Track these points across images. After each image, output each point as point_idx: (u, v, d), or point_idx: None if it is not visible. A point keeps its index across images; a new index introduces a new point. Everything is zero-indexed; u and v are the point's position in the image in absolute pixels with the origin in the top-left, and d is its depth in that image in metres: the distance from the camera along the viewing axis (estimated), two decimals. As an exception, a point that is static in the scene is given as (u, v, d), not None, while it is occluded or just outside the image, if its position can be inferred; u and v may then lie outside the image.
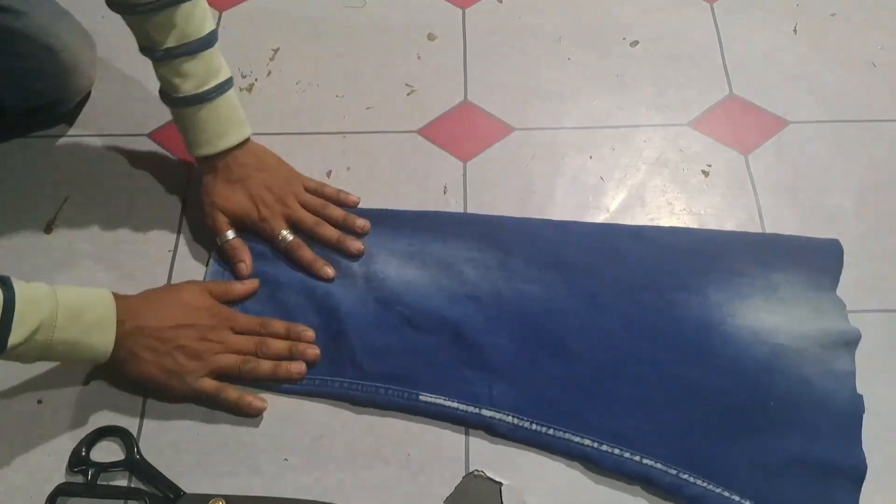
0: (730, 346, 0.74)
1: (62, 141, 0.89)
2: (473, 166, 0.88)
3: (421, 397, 0.71)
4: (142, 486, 0.68)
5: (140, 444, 0.69)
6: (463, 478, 0.69)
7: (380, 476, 0.69)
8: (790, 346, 0.73)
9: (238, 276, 0.78)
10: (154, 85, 0.88)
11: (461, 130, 0.91)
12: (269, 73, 0.95)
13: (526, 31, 1.00)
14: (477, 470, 0.69)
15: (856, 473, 0.67)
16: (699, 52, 0.96)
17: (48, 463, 0.69)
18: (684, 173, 0.88)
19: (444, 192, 0.86)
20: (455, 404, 0.71)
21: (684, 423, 0.70)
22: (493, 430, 0.70)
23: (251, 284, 0.77)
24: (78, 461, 0.68)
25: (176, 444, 0.70)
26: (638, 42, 0.98)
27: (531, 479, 0.68)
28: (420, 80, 0.95)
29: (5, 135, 0.89)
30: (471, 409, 0.71)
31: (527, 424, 0.70)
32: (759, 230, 0.83)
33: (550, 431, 0.70)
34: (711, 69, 0.95)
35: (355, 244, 0.80)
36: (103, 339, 0.66)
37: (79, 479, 0.68)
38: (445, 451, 0.70)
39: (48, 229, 0.83)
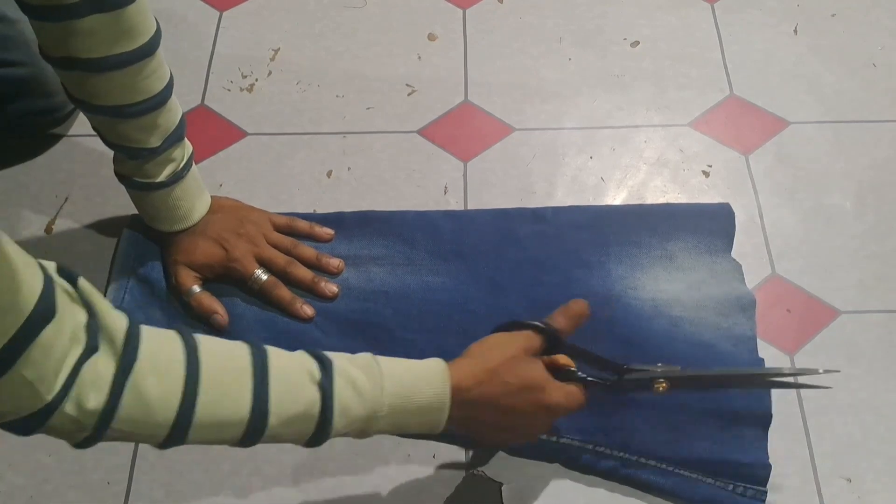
0: (631, 320, 0.75)
1: (62, 141, 0.89)
2: (473, 166, 0.88)
3: None
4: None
5: (139, 445, 0.69)
6: (463, 478, 0.69)
7: (380, 476, 0.69)
8: (689, 316, 0.75)
9: (216, 329, 0.74)
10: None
11: (461, 130, 0.91)
12: (270, 72, 0.95)
13: (526, 31, 1.00)
14: (477, 470, 0.69)
15: (763, 418, 0.69)
16: (699, 52, 0.96)
17: (48, 463, 0.69)
18: (684, 173, 0.88)
19: (445, 193, 0.86)
20: None
21: (596, 397, 0.70)
22: None
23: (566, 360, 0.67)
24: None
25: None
26: (638, 42, 0.98)
27: (531, 478, 0.68)
28: (420, 80, 0.95)
29: (5, 138, 0.88)
30: None
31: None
32: (760, 230, 0.83)
33: None
34: (711, 69, 0.95)
35: (330, 287, 0.76)
36: (434, 420, 0.58)
37: None
38: (445, 451, 0.70)
39: (48, 229, 0.83)
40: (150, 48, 0.65)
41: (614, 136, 0.91)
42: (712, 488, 0.66)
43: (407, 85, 0.95)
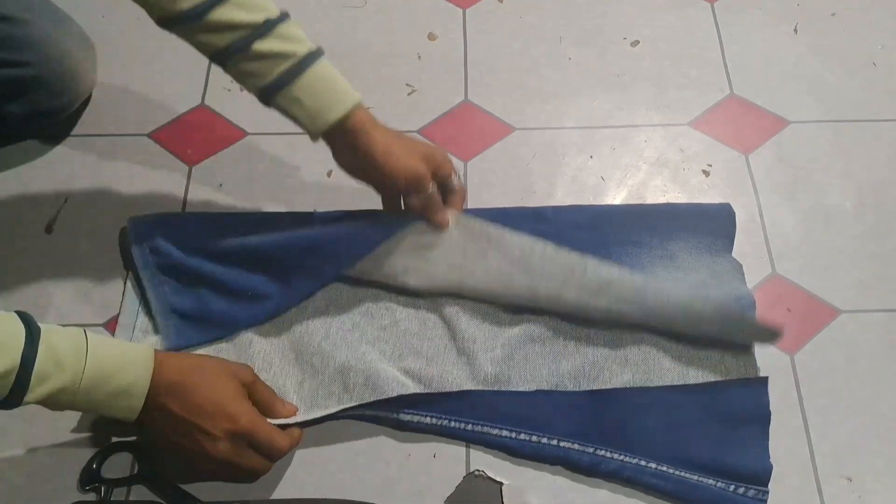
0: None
1: (63, 141, 0.89)
2: (473, 166, 0.88)
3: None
4: (156, 500, 0.67)
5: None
6: (463, 478, 0.69)
7: (380, 476, 0.69)
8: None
9: (440, 226, 0.74)
10: (154, 85, 0.88)
11: (461, 130, 0.91)
12: (270, 73, 0.95)
13: (526, 31, 1.00)
14: (477, 470, 0.69)
15: (762, 418, 0.69)
16: (699, 52, 0.96)
17: (48, 463, 0.69)
18: (685, 173, 0.88)
19: (445, 192, 0.86)
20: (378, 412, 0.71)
21: (594, 400, 0.71)
22: (405, 428, 0.71)
23: (291, 409, 0.70)
24: (89, 478, 0.68)
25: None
26: (638, 42, 0.98)
27: (531, 478, 0.69)
28: (420, 80, 0.95)
29: (6, 140, 0.89)
30: (391, 415, 0.70)
31: (445, 422, 0.70)
32: (760, 230, 0.83)
33: (469, 427, 0.70)
34: (711, 69, 0.95)
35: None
36: (130, 405, 0.62)
37: (91, 497, 0.67)
38: (445, 451, 0.70)
39: (48, 229, 0.83)
40: None
41: (614, 135, 0.91)
42: (714, 490, 0.66)
43: (407, 85, 0.95)
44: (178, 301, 0.76)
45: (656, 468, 0.67)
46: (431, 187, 0.73)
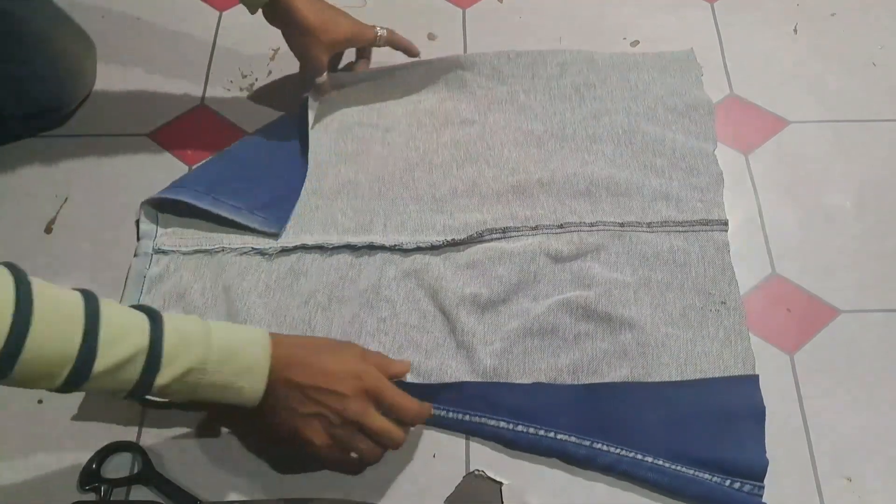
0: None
1: (62, 141, 0.89)
2: (473, 166, 0.88)
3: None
4: (156, 500, 0.67)
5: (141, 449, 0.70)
6: (463, 478, 0.69)
7: (380, 476, 0.69)
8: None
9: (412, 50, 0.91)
10: (154, 85, 0.88)
11: (461, 130, 0.91)
12: (270, 72, 0.95)
13: (526, 31, 0.99)
14: (477, 470, 0.69)
15: (756, 413, 0.69)
16: (699, 52, 0.96)
17: (48, 463, 0.69)
18: (684, 173, 0.88)
19: (445, 192, 0.86)
20: None
21: (591, 394, 0.71)
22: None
23: (405, 366, 0.70)
24: (89, 478, 0.67)
25: (176, 448, 0.70)
26: (638, 42, 0.98)
27: (531, 478, 0.69)
28: (420, 80, 0.95)
29: (5, 139, 0.89)
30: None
31: (443, 413, 0.71)
32: (760, 230, 0.83)
33: (467, 417, 0.70)
34: (711, 69, 0.95)
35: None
36: (254, 385, 0.61)
37: (91, 497, 0.67)
38: (445, 451, 0.70)
39: (48, 229, 0.83)
40: None
41: (614, 135, 0.91)
42: (710, 484, 0.66)
43: (407, 85, 0.95)
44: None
45: (652, 462, 0.67)
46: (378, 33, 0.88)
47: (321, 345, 0.66)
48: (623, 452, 0.68)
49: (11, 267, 0.53)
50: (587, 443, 0.68)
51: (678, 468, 0.67)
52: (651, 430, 0.69)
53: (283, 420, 0.63)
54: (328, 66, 0.87)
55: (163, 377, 0.57)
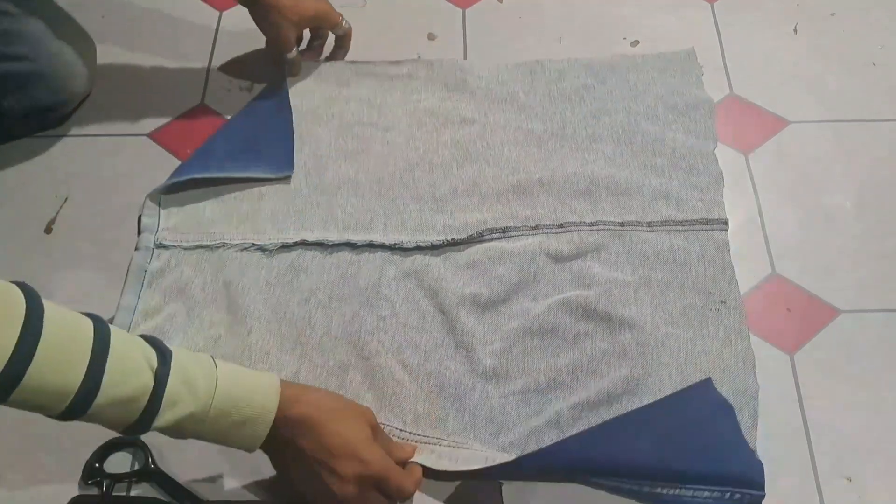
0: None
1: (62, 141, 0.89)
2: (473, 166, 0.88)
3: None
4: (157, 497, 0.67)
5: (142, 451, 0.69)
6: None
7: (380, 476, 0.69)
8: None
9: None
10: (154, 85, 0.88)
11: (461, 130, 0.91)
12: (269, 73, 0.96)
13: (526, 31, 0.99)
14: (477, 470, 0.69)
15: (726, 415, 0.68)
16: (699, 52, 0.96)
17: (48, 463, 0.69)
18: (684, 173, 0.88)
19: (445, 192, 0.86)
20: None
21: (583, 443, 0.68)
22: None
23: (410, 451, 0.68)
24: (91, 473, 0.67)
25: (178, 446, 0.70)
26: (638, 42, 0.98)
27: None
28: (420, 80, 0.95)
29: (4, 138, 0.89)
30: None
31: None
32: (760, 229, 0.83)
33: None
34: (711, 69, 0.95)
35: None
36: (252, 434, 0.59)
37: (93, 490, 0.67)
38: (445, 451, 0.70)
39: (48, 229, 0.83)
40: None
41: (614, 135, 0.91)
42: (710, 499, 0.65)
43: (407, 85, 0.95)
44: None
45: (650, 491, 0.66)
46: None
47: (334, 409, 0.63)
48: (619, 485, 0.66)
49: (25, 288, 0.51)
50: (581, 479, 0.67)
51: (676, 492, 0.65)
52: (643, 458, 0.66)
53: (281, 463, 0.63)
54: (296, 42, 0.89)
55: (161, 420, 0.55)
